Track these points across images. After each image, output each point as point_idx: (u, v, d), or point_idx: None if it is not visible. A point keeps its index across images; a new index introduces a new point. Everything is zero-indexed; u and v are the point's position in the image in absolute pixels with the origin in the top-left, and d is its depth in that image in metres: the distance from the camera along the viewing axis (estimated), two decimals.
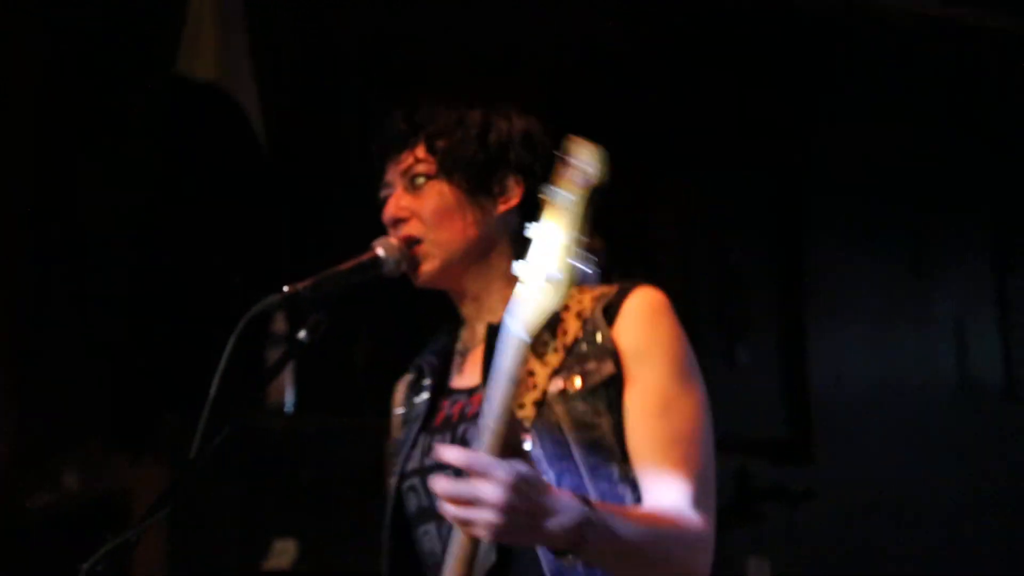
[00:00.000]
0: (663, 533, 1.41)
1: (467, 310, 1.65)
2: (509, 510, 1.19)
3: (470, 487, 1.20)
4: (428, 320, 1.71)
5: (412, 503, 1.57)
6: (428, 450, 1.58)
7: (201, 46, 3.26)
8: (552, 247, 1.26)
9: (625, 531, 1.34)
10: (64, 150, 3.32)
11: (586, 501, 1.30)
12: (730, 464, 3.44)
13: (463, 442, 1.57)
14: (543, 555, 1.42)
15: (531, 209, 1.52)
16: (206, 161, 3.20)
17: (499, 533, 1.23)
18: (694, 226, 3.76)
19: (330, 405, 3.36)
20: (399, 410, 1.79)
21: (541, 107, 1.65)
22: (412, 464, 1.61)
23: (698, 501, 1.44)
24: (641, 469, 1.47)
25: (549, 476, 1.49)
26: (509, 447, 1.26)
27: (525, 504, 1.20)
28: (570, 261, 1.25)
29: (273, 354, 2.71)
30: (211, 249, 3.09)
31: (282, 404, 3.02)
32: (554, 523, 1.23)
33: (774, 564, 3.50)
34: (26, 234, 3.46)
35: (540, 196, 1.45)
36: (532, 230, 1.29)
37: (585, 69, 3.67)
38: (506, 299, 1.48)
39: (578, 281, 1.32)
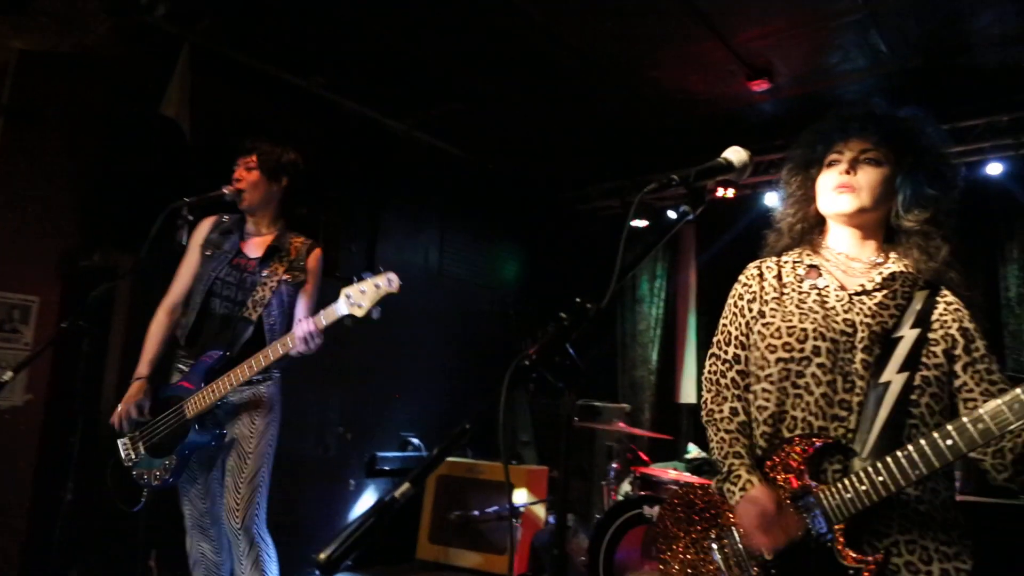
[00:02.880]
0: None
1: (252, 220, 2.94)
2: None
3: None
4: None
5: (218, 289, 2.61)
6: (227, 271, 2.70)
7: (173, 96, 4.08)
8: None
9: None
10: (121, 139, 4.49)
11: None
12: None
13: (244, 280, 2.67)
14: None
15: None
16: (166, 150, 4.29)
17: None
18: (341, 216, 5.29)
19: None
20: (212, 235, 2.92)
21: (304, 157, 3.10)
22: (222, 274, 2.75)
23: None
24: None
25: (277, 317, 2.64)
26: None
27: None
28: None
29: (181, 228, 3.12)
30: (170, 186, 3.70)
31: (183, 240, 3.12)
32: None
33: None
34: (98, 175, 4.48)
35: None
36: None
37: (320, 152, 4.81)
38: (268, 224, 2.98)
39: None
